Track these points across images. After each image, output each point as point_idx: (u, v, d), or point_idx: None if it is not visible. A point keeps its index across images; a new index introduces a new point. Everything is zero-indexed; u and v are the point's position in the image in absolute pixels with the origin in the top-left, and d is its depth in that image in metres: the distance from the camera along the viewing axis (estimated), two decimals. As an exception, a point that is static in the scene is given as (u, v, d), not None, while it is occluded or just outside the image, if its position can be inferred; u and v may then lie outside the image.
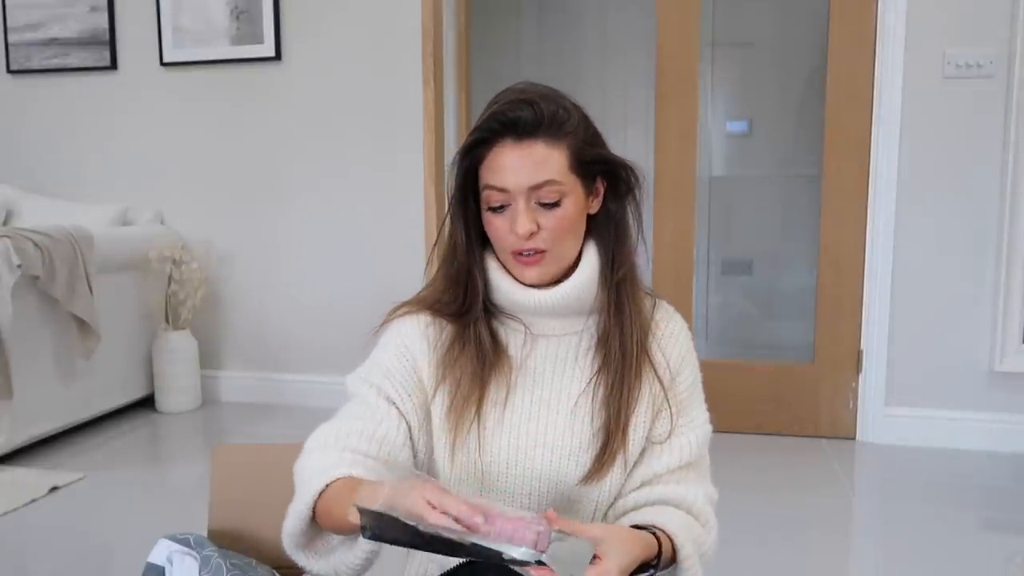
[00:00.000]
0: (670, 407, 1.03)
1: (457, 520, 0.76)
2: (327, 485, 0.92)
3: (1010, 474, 2.50)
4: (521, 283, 1.02)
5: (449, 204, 1.03)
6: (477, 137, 0.97)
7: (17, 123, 3.48)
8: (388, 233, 3.12)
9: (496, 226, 0.99)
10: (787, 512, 2.22)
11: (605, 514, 1.05)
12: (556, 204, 0.96)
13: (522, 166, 0.94)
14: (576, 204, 0.98)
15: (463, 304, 1.03)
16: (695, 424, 1.05)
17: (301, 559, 0.97)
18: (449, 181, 1.02)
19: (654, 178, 2.94)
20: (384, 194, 3.12)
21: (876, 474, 2.60)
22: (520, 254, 0.98)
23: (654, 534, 0.93)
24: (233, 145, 3.26)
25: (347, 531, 0.90)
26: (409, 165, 3.07)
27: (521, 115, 0.94)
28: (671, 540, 0.95)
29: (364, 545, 0.91)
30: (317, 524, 0.95)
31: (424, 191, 3.06)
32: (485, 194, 0.98)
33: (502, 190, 0.96)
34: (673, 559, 0.95)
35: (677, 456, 1.02)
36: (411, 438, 1.01)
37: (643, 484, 1.02)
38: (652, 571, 0.92)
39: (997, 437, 2.67)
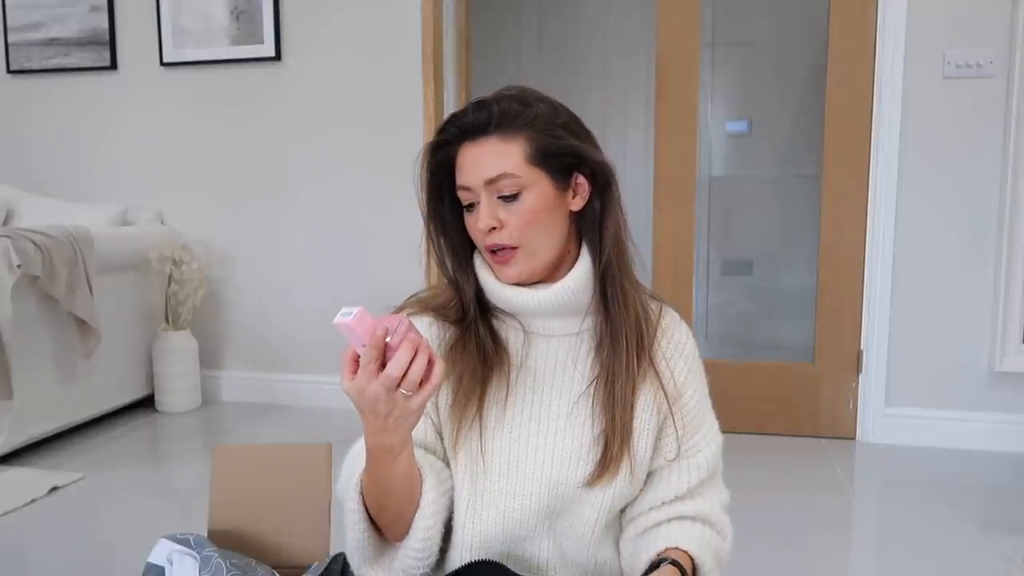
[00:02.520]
0: (675, 424, 1.03)
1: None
2: (363, 472, 0.95)
3: (1010, 474, 2.50)
4: (520, 284, 1.02)
5: (422, 212, 1.05)
6: (437, 140, 1.01)
7: (17, 123, 3.48)
8: (388, 233, 3.12)
9: (470, 226, 1.01)
10: (787, 512, 2.22)
11: (621, 522, 1.07)
12: (515, 197, 0.97)
13: (477, 162, 0.97)
14: (540, 197, 0.98)
15: (460, 308, 1.04)
16: (708, 438, 1.06)
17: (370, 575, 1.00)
18: (418, 191, 1.05)
19: (654, 178, 2.95)
20: (384, 194, 3.11)
21: (876, 474, 2.60)
22: (492, 252, 1.00)
23: (676, 563, 0.97)
24: (233, 145, 3.26)
25: (399, 494, 0.93)
26: (409, 165, 3.05)
27: (474, 118, 0.98)
28: (692, 560, 0.99)
29: (420, 523, 0.95)
30: (378, 533, 0.99)
31: (424, 191, 3.05)
32: (459, 195, 1.01)
33: (467, 188, 0.99)
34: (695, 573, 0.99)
35: (696, 474, 1.05)
36: (438, 432, 1.03)
37: (663, 504, 1.04)
38: None
39: (997, 437, 2.67)
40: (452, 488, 1.02)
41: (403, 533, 0.97)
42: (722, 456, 1.10)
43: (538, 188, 0.97)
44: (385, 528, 0.98)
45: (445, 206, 1.04)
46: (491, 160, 0.96)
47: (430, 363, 0.83)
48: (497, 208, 0.97)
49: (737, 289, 3.94)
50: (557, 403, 1.02)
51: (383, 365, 0.82)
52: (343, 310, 0.80)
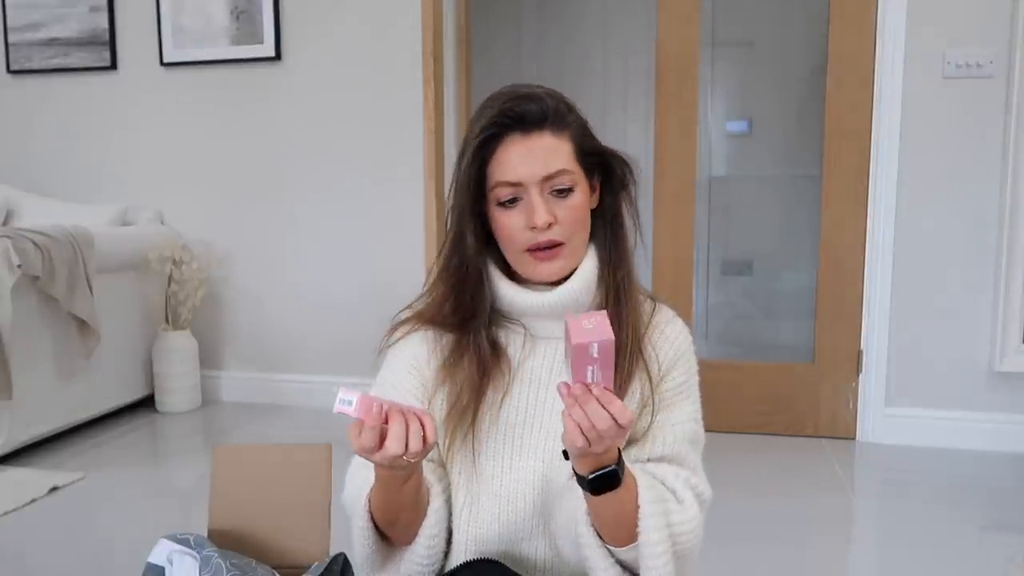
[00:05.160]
0: (653, 403, 1.01)
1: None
2: (371, 491, 0.96)
3: (1010, 474, 2.50)
4: (524, 286, 1.02)
5: (455, 207, 1.00)
6: (489, 133, 0.96)
7: (17, 123, 3.48)
8: (388, 233, 3.12)
9: (507, 224, 0.98)
10: (787, 512, 2.22)
11: None
12: (570, 192, 0.97)
13: (533, 157, 0.95)
14: (584, 194, 0.99)
15: (468, 310, 1.02)
16: (674, 422, 1.01)
17: None
18: (460, 179, 0.99)
19: (654, 178, 2.95)
20: (384, 194, 3.12)
21: (876, 474, 2.60)
22: (537, 249, 0.97)
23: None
24: (233, 145, 3.26)
25: (409, 508, 0.95)
26: (409, 165, 3.07)
27: (528, 108, 0.95)
28: (634, 482, 0.90)
29: (426, 531, 0.96)
30: (386, 541, 1.00)
31: (424, 191, 3.06)
32: (495, 192, 0.97)
33: (515, 184, 0.96)
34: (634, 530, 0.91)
35: (648, 450, 0.99)
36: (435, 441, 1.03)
37: None
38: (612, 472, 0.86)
39: (997, 437, 2.67)
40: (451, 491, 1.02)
41: (411, 539, 0.98)
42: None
43: (583, 185, 0.99)
44: (394, 538, 1.00)
45: (478, 207, 0.99)
46: (549, 155, 0.95)
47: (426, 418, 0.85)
48: (550, 203, 0.96)
49: (737, 289, 3.94)
50: (552, 404, 1.02)
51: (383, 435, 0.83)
52: (341, 396, 0.82)
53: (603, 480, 0.85)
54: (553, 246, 0.97)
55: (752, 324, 3.89)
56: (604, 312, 0.79)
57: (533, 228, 0.96)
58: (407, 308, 1.09)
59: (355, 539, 0.99)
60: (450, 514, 1.01)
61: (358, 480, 1.01)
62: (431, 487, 0.98)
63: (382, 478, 0.91)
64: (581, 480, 0.86)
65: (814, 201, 2.88)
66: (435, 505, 0.97)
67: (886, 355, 2.74)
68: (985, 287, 2.65)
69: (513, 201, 0.97)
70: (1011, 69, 2.55)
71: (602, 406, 0.79)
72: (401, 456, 0.82)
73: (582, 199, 0.98)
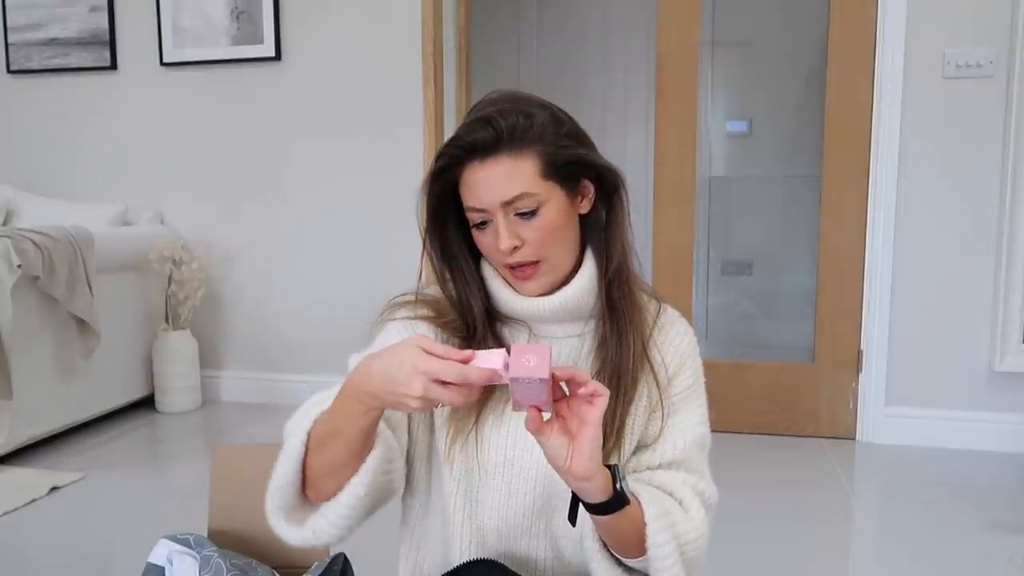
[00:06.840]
0: (663, 408, 1.02)
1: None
2: (315, 421, 0.90)
3: (1010, 474, 2.50)
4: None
5: (423, 235, 1.02)
6: (441, 164, 0.97)
7: (17, 123, 3.48)
8: (388, 232, 3.12)
9: (482, 243, 0.99)
10: (787, 512, 2.22)
11: None
12: (534, 213, 0.95)
13: (491, 183, 0.94)
14: (557, 210, 0.97)
15: (468, 327, 1.02)
16: (684, 426, 1.02)
17: (281, 526, 0.93)
18: (426, 207, 1.01)
19: (654, 178, 2.95)
20: (384, 194, 3.12)
21: (876, 474, 2.60)
22: (512, 268, 0.98)
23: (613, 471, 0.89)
24: (233, 145, 3.26)
25: (351, 447, 0.88)
26: (409, 165, 3.07)
27: (478, 136, 0.93)
28: (638, 500, 0.90)
29: (352, 490, 0.89)
30: (304, 493, 0.93)
31: (424, 191, 3.05)
32: (467, 214, 0.99)
33: (479, 209, 0.96)
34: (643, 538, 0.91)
35: (659, 455, 1.01)
36: (408, 417, 1.01)
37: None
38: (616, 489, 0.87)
39: (997, 437, 2.67)
40: (392, 478, 0.96)
41: (329, 493, 0.92)
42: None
43: (554, 201, 0.96)
44: (313, 479, 0.92)
45: (450, 227, 1.02)
46: (506, 180, 0.94)
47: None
48: (515, 226, 0.95)
49: (737, 289, 3.93)
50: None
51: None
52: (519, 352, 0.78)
53: (608, 506, 0.87)
54: (527, 265, 0.97)
55: (752, 324, 3.88)
56: (548, 348, 0.79)
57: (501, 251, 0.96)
58: (408, 293, 1.09)
59: (280, 461, 0.92)
60: (380, 497, 0.95)
61: (316, 401, 0.95)
62: (375, 446, 0.91)
63: (348, 400, 0.85)
64: (586, 506, 0.87)
65: (814, 201, 2.88)
66: (370, 464, 0.90)
67: (886, 355, 2.74)
68: (985, 287, 2.65)
69: (484, 223, 0.97)
70: (1011, 69, 2.55)
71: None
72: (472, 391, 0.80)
73: (553, 216, 0.96)
